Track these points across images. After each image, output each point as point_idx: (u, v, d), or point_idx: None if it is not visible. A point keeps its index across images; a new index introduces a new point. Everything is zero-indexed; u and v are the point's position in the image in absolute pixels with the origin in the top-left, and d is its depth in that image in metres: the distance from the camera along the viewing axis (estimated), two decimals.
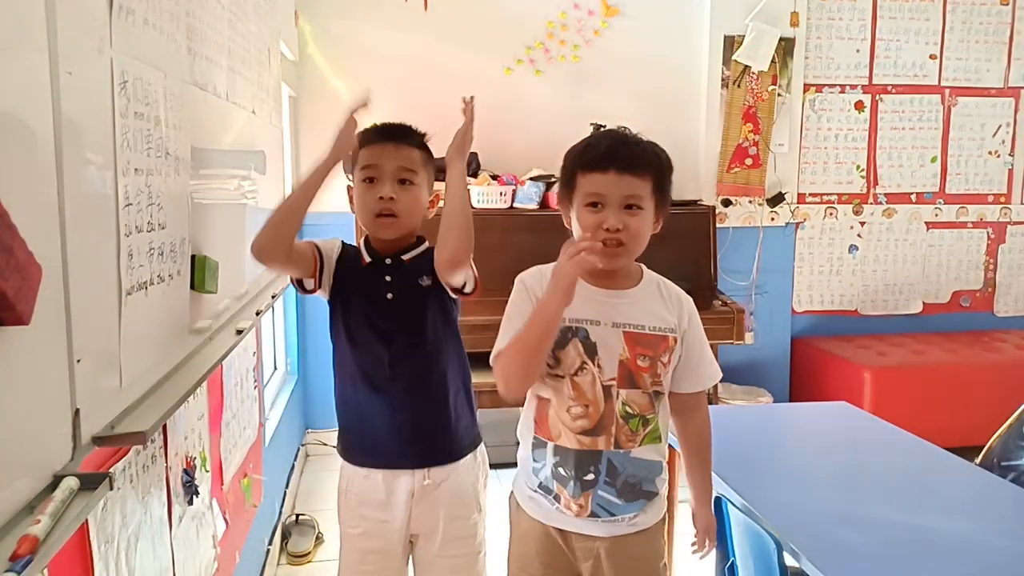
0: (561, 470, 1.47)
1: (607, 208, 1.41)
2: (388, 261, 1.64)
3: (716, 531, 1.64)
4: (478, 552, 1.72)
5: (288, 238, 1.54)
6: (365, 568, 1.67)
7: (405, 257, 1.65)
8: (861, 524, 1.65)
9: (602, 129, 1.51)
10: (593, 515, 1.47)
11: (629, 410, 1.45)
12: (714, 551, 1.86)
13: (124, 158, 1.03)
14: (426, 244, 1.67)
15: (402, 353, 1.60)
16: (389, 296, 1.63)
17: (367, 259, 1.65)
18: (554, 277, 1.35)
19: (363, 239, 1.68)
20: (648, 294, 1.50)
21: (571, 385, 1.44)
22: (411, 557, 1.73)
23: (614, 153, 1.41)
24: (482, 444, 1.76)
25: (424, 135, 1.67)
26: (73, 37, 0.89)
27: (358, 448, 1.68)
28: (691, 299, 1.54)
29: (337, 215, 3.63)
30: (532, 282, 1.49)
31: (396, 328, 1.61)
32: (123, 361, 1.03)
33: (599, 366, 1.44)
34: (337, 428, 1.72)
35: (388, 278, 1.63)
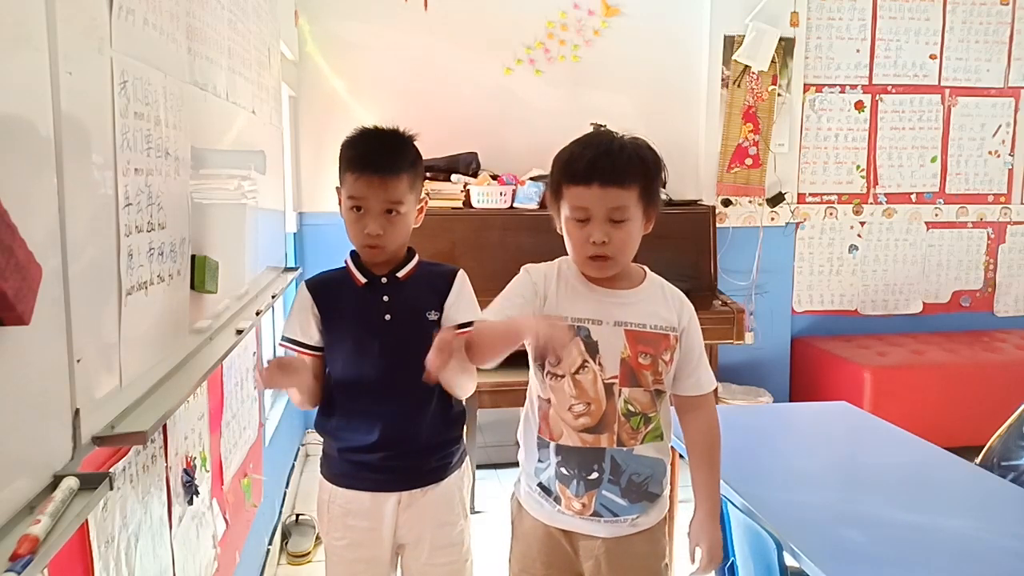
0: (564, 469, 1.47)
1: (593, 221, 1.40)
2: (384, 280, 1.62)
3: (718, 548, 1.53)
4: (465, 559, 1.71)
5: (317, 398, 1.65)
6: None
7: (400, 274, 1.62)
8: (861, 524, 1.65)
9: (589, 132, 1.49)
10: (596, 515, 1.47)
11: (631, 408, 1.45)
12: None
13: (124, 158, 1.03)
14: (416, 258, 1.66)
15: (393, 379, 1.56)
16: (387, 317, 1.59)
17: (362, 279, 1.62)
18: (541, 326, 1.31)
19: (351, 257, 1.65)
20: (650, 295, 1.50)
21: (572, 384, 1.45)
22: (399, 568, 1.72)
23: (596, 165, 1.39)
24: (467, 456, 1.75)
25: (413, 141, 1.62)
26: (73, 37, 0.89)
27: (342, 472, 1.65)
28: (691, 304, 1.54)
29: (336, 215, 3.64)
30: (536, 273, 1.49)
31: (389, 351, 1.56)
32: (123, 361, 1.03)
33: (600, 364, 1.44)
34: None
35: (386, 298, 1.60)
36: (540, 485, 1.51)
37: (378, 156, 1.57)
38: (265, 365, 1.48)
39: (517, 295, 1.46)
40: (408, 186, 1.57)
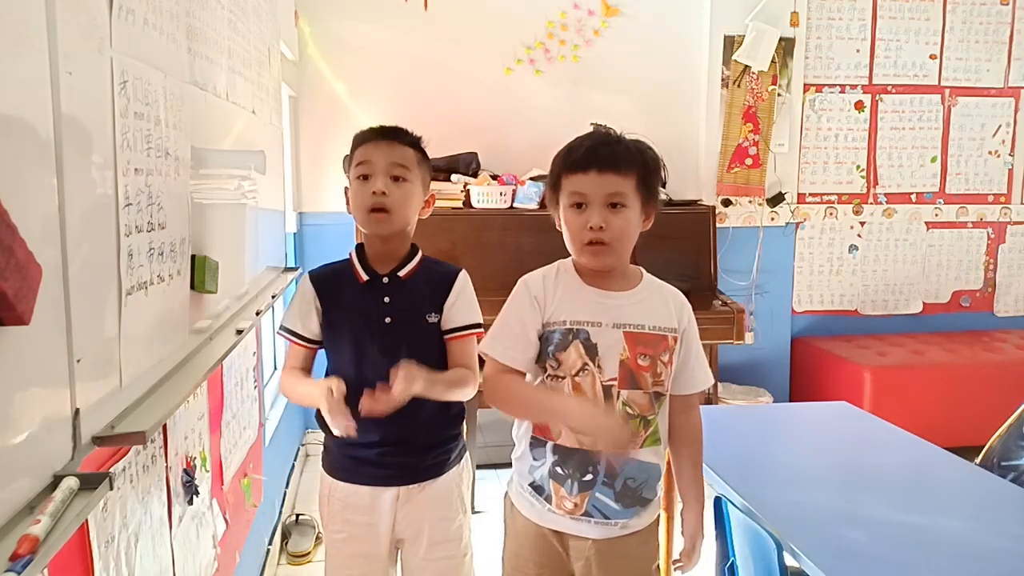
0: (559, 469, 1.47)
1: (591, 207, 1.42)
2: (386, 280, 1.62)
3: (702, 541, 1.58)
4: (464, 554, 1.71)
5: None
6: (351, 573, 1.66)
7: (402, 273, 1.62)
8: (861, 524, 1.65)
9: (587, 132, 1.52)
10: (587, 515, 1.47)
11: (630, 411, 1.45)
12: (714, 551, 1.86)
13: (124, 158, 1.03)
14: (420, 255, 1.66)
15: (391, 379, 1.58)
16: (387, 320, 1.59)
17: (364, 277, 1.62)
18: (600, 427, 1.36)
19: (355, 251, 1.65)
20: (648, 295, 1.51)
21: (572, 386, 1.45)
22: (399, 562, 1.72)
23: (595, 153, 1.42)
24: (467, 452, 1.76)
25: (419, 138, 1.66)
26: (73, 37, 0.89)
27: (342, 466, 1.66)
28: (690, 305, 1.55)
29: (336, 215, 3.64)
30: (535, 284, 1.49)
31: (388, 353, 1.55)
32: (123, 361, 1.03)
33: (599, 367, 1.44)
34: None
35: (387, 299, 1.60)
36: (532, 484, 1.51)
37: (386, 127, 1.64)
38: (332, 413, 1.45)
39: (517, 321, 1.46)
40: (414, 160, 1.61)
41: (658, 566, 1.57)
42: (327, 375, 1.64)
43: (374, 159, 1.58)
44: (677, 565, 1.59)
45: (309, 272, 1.67)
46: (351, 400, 1.60)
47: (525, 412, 1.49)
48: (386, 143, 1.59)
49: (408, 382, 1.42)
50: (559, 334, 1.45)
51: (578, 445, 1.45)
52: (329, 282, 1.64)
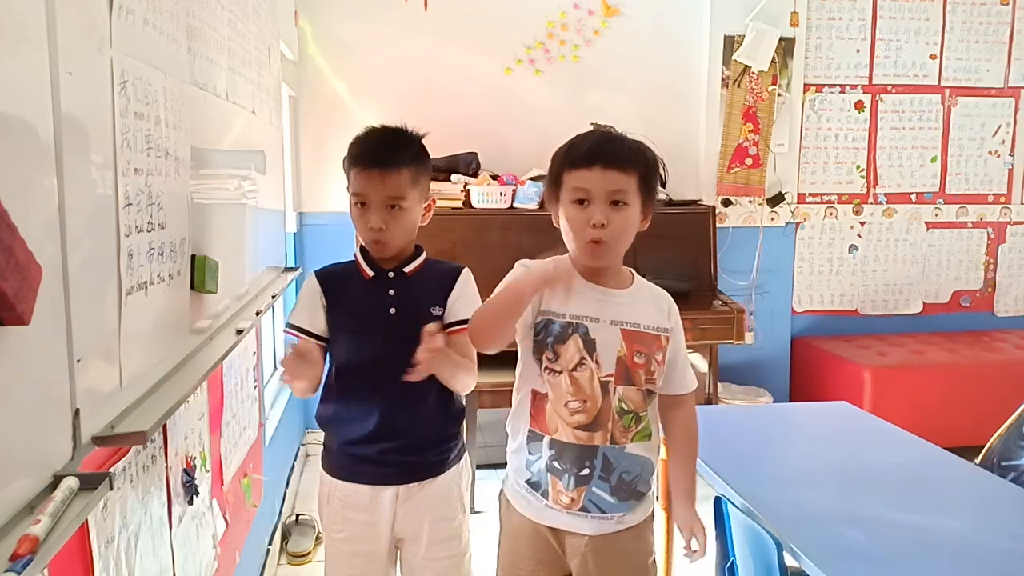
0: (556, 463, 1.48)
1: (593, 204, 1.43)
2: (391, 275, 1.64)
3: (704, 531, 1.57)
4: (464, 553, 1.72)
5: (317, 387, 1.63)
6: (351, 572, 1.67)
7: (407, 270, 1.65)
8: (861, 524, 1.65)
9: (588, 130, 1.52)
10: (583, 510, 1.48)
11: (624, 406, 1.47)
12: (714, 551, 1.86)
13: (124, 158, 1.03)
14: (424, 255, 1.68)
15: (394, 371, 1.56)
16: (392, 311, 1.62)
17: (369, 273, 1.64)
18: (543, 271, 1.36)
19: (360, 251, 1.67)
20: (641, 296, 1.54)
21: (569, 380, 1.46)
22: (398, 562, 1.73)
23: (599, 149, 1.43)
24: (466, 452, 1.76)
25: (419, 139, 1.65)
26: (73, 37, 0.89)
27: (341, 465, 1.66)
28: (676, 306, 1.57)
29: (336, 215, 3.64)
30: (534, 267, 1.49)
31: (391, 345, 1.56)
32: (123, 361, 1.03)
33: (597, 362, 1.46)
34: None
35: (391, 292, 1.63)
36: (528, 481, 1.52)
37: (378, 151, 1.59)
38: (285, 355, 1.49)
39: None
40: (410, 181, 1.59)
41: (654, 560, 1.58)
42: (330, 370, 1.65)
43: (368, 192, 1.57)
44: (686, 553, 1.58)
45: (314, 270, 1.69)
46: (354, 391, 1.62)
47: (494, 314, 1.41)
48: (378, 173, 1.56)
49: (436, 340, 1.42)
50: (559, 326, 1.46)
51: (576, 440, 1.45)
52: (334, 278, 1.66)
